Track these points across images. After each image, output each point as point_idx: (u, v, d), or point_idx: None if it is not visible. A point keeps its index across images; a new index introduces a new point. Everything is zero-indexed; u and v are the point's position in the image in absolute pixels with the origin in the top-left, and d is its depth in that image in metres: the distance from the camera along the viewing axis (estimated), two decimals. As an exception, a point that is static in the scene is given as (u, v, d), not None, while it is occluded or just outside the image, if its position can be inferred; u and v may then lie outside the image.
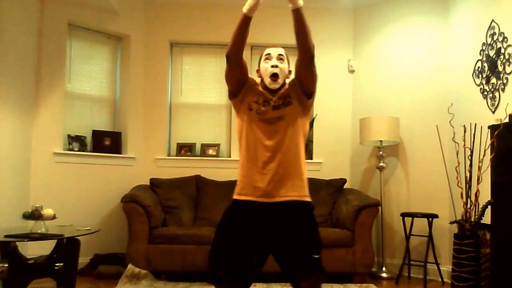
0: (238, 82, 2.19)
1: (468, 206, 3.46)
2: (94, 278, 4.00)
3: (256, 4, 2.01)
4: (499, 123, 2.97)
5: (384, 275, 4.30)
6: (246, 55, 2.25)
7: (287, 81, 2.24)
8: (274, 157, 2.08)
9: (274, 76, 2.14)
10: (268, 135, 2.10)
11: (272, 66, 2.15)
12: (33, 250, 3.55)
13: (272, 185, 2.06)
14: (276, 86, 2.16)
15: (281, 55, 2.20)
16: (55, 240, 3.11)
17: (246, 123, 2.16)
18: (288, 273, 2.09)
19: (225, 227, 2.12)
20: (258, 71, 2.26)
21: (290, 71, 2.26)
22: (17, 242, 2.89)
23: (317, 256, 2.06)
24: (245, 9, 2.02)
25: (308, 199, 2.14)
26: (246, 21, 2.03)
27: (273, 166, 2.07)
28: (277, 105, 2.14)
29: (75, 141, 4.44)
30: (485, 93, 3.62)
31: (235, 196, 2.15)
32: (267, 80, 2.16)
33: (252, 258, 2.10)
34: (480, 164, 3.35)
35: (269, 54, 2.19)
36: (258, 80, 2.26)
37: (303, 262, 2.04)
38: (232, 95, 2.23)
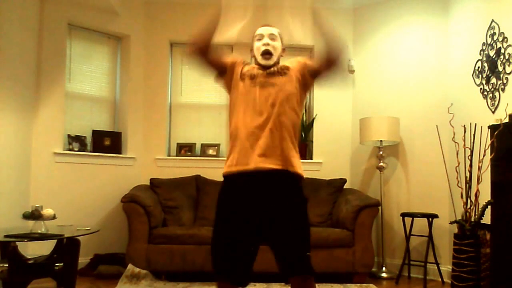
0: (221, 69, 2.20)
1: (468, 206, 3.46)
2: (94, 278, 4.00)
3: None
4: (499, 123, 2.97)
5: (384, 275, 4.30)
6: (245, 56, 2.24)
7: (289, 63, 2.19)
8: (267, 123, 2.03)
9: (267, 54, 2.13)
10: (260, 100, 2.05)
11: (264, 44, 2.14)
12: (33, 250, 3.55)
13: (264, 152, 2.00)
14: (270, 62, 2.14)
15: (273, 34, 2.17)
16: (55, 240, 3.11)
17: (238, 93, 2.12)
18: (280, 266, 2.04)
19: (221, 217, 2.08)
20: (251, 50, 2.23)
21: (284, 49, 2.23)
22: (17, 242, 2.89)
23: (308, 254, 2.01)
24: None
25: (301, 173, 2.08)
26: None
27: (266, 132, 2.02)
28: (272, 72, 2.12)
29: (75, 141, 4.44)
30: (485, 93, 3.62)
31: (227, 169, 2.08)
32: (259, 57, 2.15)
33: (251, 245, 2.06)
34: (480, 164, 3.36)
35: (260, 34, 2.18)
36: (251, 60, 2.24)
37: (294, 259, 2.00)
38: (217, 76, 2.23)
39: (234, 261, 2.04)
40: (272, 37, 2.17)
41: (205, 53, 2.13)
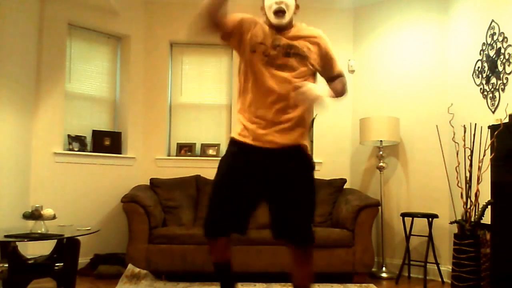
0: (225, 32, 2.10)
1: (468, 206, 3.46)
2: (94, 278, 4.00)
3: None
4: (499, 123, 2.97)
5: (384, 275, 4.30)
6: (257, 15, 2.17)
7: (312, 32, 2.09)
8: (282, 102, 1.99)
9: (280, 11, 2.00)
10: (277, 80, 1.98)
11: (276, 3, 2.00)
12: (33, 250, 3.55)
13: (277, 130, 2.00)
14: (283, 21, 2.01)
15: None
16: (55, 240, 3.11)
17: (250, 66, 2.02)
18: (276, 225, 2.02)
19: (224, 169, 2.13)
20: (262, 8, 2.09)
21: (297, 6, 2.09)
22: (17, 242, 2.89)
23: (312, 225, 2.01)
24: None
25: (307, 148, 2.08)
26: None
27: (285, 114, 2.00)
28: (289, 53, 2.01)
29: (75, 141, 4.44)
30: (485, 93, 3.62)
31: (235, 136, 2.14)
32: (271, 16, 2.02)
33: (252, 196, 2.05)
34: (480, 164, 3.36)
35: None
36: (261, 19, 2.11)
37: (298, 227, 1.98)
38: (223, 38, 2.13)
39: (234, 207, 2.03)
40: None
41: (217, 24, 2.03)
